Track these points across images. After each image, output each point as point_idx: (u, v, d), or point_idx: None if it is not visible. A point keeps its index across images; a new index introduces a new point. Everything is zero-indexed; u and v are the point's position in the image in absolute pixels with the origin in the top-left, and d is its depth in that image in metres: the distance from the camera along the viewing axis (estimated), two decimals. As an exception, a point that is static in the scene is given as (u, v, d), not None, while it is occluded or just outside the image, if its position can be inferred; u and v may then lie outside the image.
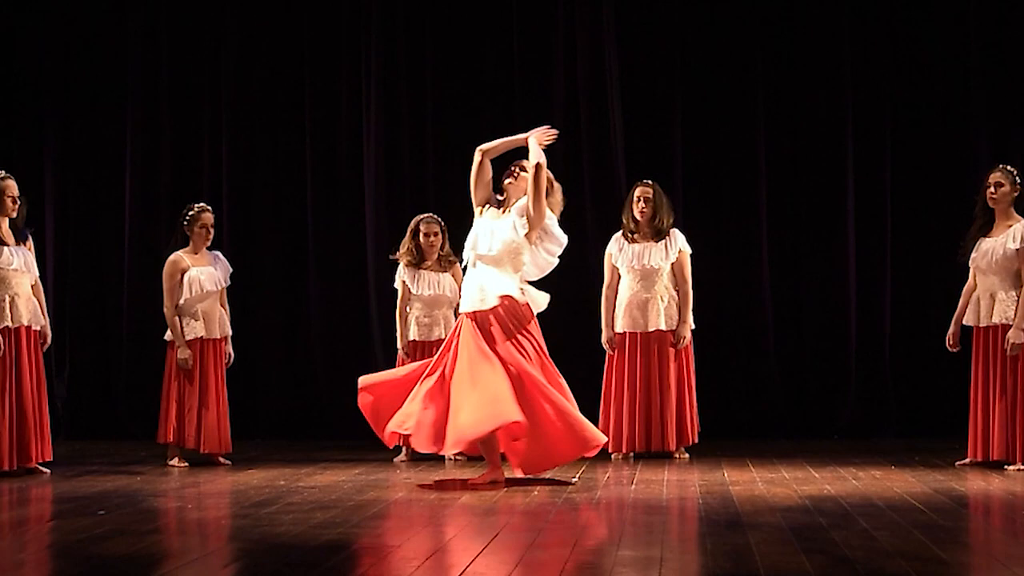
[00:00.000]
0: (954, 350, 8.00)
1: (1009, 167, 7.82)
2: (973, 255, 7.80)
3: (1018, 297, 7.60)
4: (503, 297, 7.05)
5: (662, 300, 8.46)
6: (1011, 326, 7.58)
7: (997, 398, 7.64)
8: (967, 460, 7.78)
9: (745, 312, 10.13)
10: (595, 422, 8.20)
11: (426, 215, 8.71)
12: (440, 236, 8.60)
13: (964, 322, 7.89)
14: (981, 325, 7.76)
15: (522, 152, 7.29)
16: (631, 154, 10.07)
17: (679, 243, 8.52)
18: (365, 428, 9.72)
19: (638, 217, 8.52)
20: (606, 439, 7.20)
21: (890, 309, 10.04)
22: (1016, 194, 7.75)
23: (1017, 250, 7.62)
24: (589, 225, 9.77)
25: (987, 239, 7.76)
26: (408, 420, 6.98)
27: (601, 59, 10.17)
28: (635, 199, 8.55)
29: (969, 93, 9.97)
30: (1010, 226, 7.69)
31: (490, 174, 7.23)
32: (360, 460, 8.38)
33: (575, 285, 9.28)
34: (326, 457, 8.58)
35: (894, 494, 6.47)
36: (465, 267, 7.30)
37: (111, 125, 10.56)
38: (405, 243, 8.61)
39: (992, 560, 4.90)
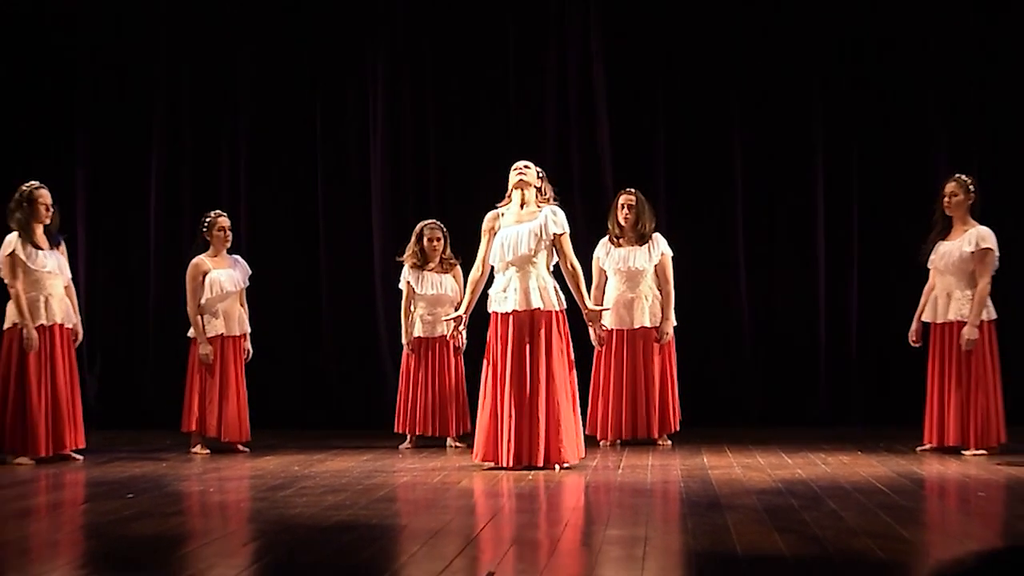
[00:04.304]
0: (916, 345, 7.99)
1: (964, 177, 7.84)
2: (932, 257, 7.82)
3: (973, 296, 7.62)
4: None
5: (646, 299, 8.47)
6: (966, 323, 7.60)
7: (952, 389, 7.65)
8: (927, 446, 7.79)
9: (723, 310, 10.15)
10: (586, 413, 8.23)
11: (430, 221, 8.71)
12: (442, 241, 8.61)
13: (923, 319, 7.90)
14: (938, 321, 7.77)
15: (515, 161, 7.29)
16: (617, 165, 10.08)
17: (661, 246, 8.52)
18: (372, 418, 9.80)
19: (622, 223, 8.52)
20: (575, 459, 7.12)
21: (856, 308, 10.06)
22: (970, 202, 7.77)
23: (972, 253, 7.64)
24: (579, 230, 9.76)
25: (944, 242, 7.78)
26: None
27: (589, 78, 10.19)
28: (619, 206, 8.55)
29: (927, 109, 10.00)
30: (966, 231, 7.71)
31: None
32: (368, 447, 8.39)
33: (566, 286, 9.27)
34: (337, 445, 8.58)
35: (860, 477, 6.48)
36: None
37: (138, 140, 10.57)
38: (410, 247, 8.61)
39: (948, 537, 4.92)
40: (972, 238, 7.66)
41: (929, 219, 7.96)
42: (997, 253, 7.66)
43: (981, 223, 7.75)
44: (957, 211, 7.76)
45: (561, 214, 7.14)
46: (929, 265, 7.85)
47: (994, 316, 7.69)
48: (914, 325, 7.96)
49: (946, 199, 7.77)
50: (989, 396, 7.60)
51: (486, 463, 7.06)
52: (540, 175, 7.19)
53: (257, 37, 10.52)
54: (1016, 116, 9.96)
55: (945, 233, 7.82)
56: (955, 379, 7.64)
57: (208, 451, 8.25)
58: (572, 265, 7.13)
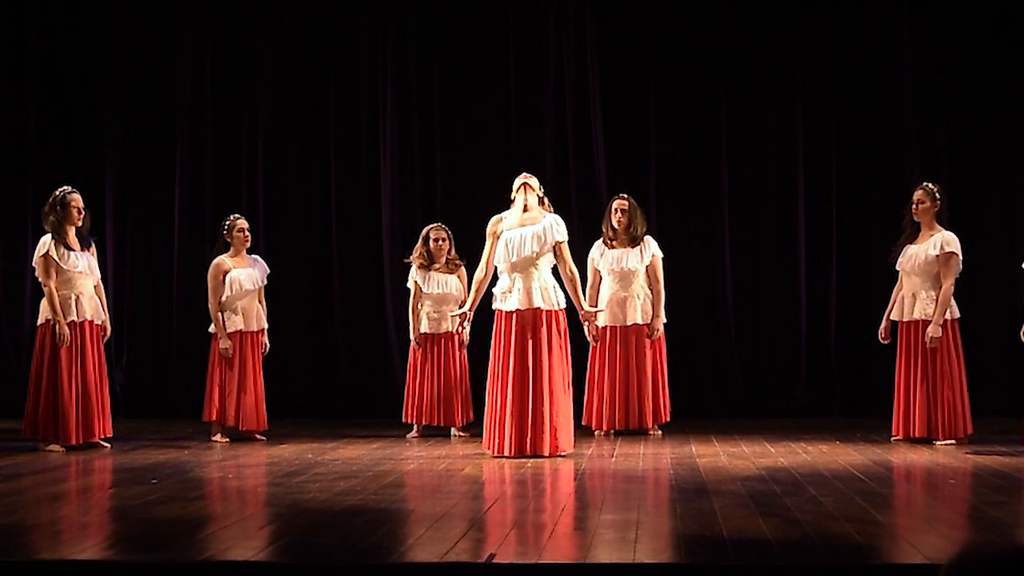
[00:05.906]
0: (885, 342, 7.98)
1: (931, 185, 7.83)
2: (900, 260, 7.81)
3: (937, 297, 7.61)
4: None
5: (638, 298, 8.46)
6: (930, 322, 7.59)
7: (918, 384, 7.63)
8: (900, 436, 7.78)
9: (710, 308, 10.13)
10: (581, 404, 8.23)
11: (435, 224, 8.72)
12: (447, 242, 8.60)
13: (891, 317, 7.88)
14: (905, 320, 7.75)
15: (517, 169, 7.28)
16: (611, 172, 10.07)
17: (652, 248, 8.51)
18: (382, 409, 9.79)
19: (615, 226, 8.51)
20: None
21: (834, 307, 10.05)
22: (936, 208, 7.76)
23: (937, 256, 7.63)
24: (575, 233, 9.75)
25: (912, 246, 7.77)
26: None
27: (585, 92, 10.18)
28: (613, 210, 8.54)
29: (902, 120, 9.99)
30: (932, 235, 7.71)
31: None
32: (378, 436, 8.38)
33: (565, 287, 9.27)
34: (348, 433, 8.57)
35: (838, 465, 6.48)
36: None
37: (163, 146, 10.56)
38: (417, 248, 8.61)
39: (918, 521, 4.92)
40: (937, 242, 7.65)
41: (900, 225, 7.97)
42: (961, 257, 7.66)
43: (948, 229, 7.75)
44: (924, 217, 7.76)
45: (562, 223, 7.21)
46: (897, 267, 7.84)
47: (957, 315, 7.69)
48: (883, 323, 7.95)
49: (914, 206, 7.77)
50: (955, 390, 7.60)
51: (489, 451, 7.05)
52: (541, 188, 7.26)
53: (275, 54, 10.51)
54: (982, 131, 9.97)
55: (913, 237, 7.81)
56: (920, 374, 7.63)
57: (227, 439, 8.24)
58: (571, 271, 7.17)
